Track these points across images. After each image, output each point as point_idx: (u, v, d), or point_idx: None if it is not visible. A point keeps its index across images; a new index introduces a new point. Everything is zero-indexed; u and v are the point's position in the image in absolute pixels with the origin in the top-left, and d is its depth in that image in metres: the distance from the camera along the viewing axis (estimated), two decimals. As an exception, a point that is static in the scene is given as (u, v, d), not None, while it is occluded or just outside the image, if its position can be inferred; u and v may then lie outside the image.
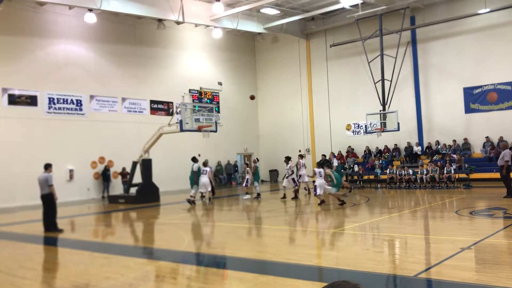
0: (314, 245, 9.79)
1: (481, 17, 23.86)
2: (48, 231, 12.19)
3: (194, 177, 18.44)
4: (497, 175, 21.37)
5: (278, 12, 27.24)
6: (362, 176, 24.87)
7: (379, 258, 7.98)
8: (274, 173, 31.57)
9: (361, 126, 27.93)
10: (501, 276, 6.31)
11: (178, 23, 25.36)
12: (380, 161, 25.45)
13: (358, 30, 26.27)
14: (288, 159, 19.14)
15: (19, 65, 21.82)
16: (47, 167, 12.53)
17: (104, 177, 23.79)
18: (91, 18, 22.76)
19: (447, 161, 22.12)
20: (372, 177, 24.36)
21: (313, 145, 30.60)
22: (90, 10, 22.25)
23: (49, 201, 12.21)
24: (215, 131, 20.16)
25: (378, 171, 24.11)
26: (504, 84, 23.54)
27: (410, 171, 22.28)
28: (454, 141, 24.57)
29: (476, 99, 24.39)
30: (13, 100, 21.52)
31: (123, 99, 25.58)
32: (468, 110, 24.65)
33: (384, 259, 8.03)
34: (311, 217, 14.21)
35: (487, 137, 23.66)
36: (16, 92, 21.61)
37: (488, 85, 24.01)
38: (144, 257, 9.47)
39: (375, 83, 25.71)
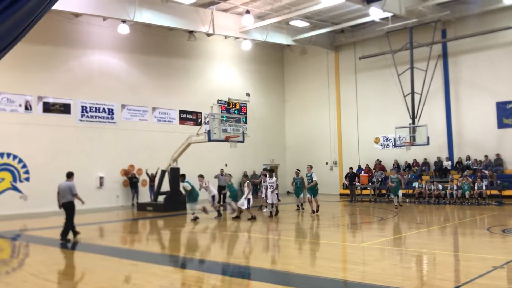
0: (340, 259, 9.71)
1: (515, 31, 23.39)
2: (63, 239, 12.21)
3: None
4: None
5: (307, 24, 27.32)
6: (390, 190, 24.48)
7: (407, 274, 7.86)
8: (300, 185, 31.42)
9: (390, 139, 27.61)
10: (534, 296, 6.13)
11: (208, 35, 25.72)
12: (410, 175, 25.06)
13: (387, 42, 26.10)
14: (271, 171, 18.06)
15: (54, 74, 22.49)
16: (70, 175, 12.59)
17: (131, 184, 24.13)
18: (124, 29, 23.31)
19: (478, 177, 21.62)
20: (402, 191, 23.93)
21: (340, 157, 30.39)
22: (124, 21, 22.80)
23: (72, 208, 12.39)
24: (242, 142, 20.28)
25: (415, 184, 23.56)
26: (539, 99, 22.93)
27: (440, 186, 21.86)
28: (486, 156, 24.01)
29: (509, 114, 23.82)
30: (48, 108, 22.16)
31: (153, 109, 26.02)
32: (501, 125, 24.08)
33: (412, 275, 7.91)
34: (336, 231, 14.10)
35: (520, 153, 23.05)
36: (51, 100, 22.26)
37: (522, 100, 23.45)
38: (171, 265, 9.58)
39: (404, 96, 25.43)
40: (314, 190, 17.67)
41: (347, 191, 25.40)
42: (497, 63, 24.17)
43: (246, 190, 16.39)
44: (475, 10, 24.07)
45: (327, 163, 30.58)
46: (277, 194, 17.00)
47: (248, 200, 16.22)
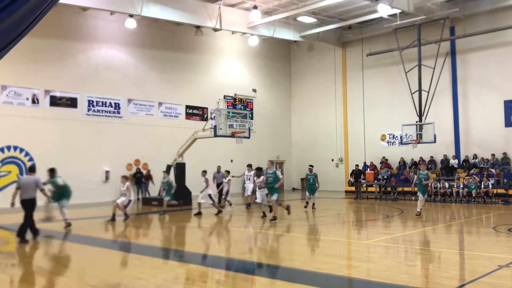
0: (344, 256, 9.69)
1: (525, 29, 23.16)
2: (20, 237, 10.96)
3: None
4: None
5: (315, 20, 27.21)
6: (396, 187, 24.42)
7: (412, 272, 7.82)
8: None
9: (396, 136, 27.48)
10: (540, 296, 6.08)
11: (215, 30, 25.69)
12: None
13: (395, 39, 25.94)
14: (259, 170, 15.13)
15: (62, 68, 22.55)
16: (33, 169, 11.57)
17: (137, 179, 24.19)
18: (131, 24, 23.32)
19: (485, 176, 21.49)
20: (407, 188, 23.86)
21: (346, 154, 30.30)
22: (131, 15, 22.81)
23: (33, 205, 11.08)
24: (248, 138, 20.27)
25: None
26: (548, 97, 22.73)
27: (446, 184, 21.75)
28: (493, 155, 23.85)
29: (517, 112, 23.63)
30: (55, 101, 22.23)
31: (160, 104, 26.04)
32: (508, 123, 23.90)
33: (417, 273, 7.87)
34: (341, 228, 14.06)
35: (528, 152, 22.88)
36: (58, 94, 22.33)
37: (531, 98, 23.24)
38: (175, 259, 9.59)
39: (412, 94, 25.30)
40: (275, 189, 14.39)
41: (353, 188, 25.33)
42: (506, 61, 23.97)
43: (204, 185, 16.39)
44: (485, 7, 23.86)
45: (332, 160, 30.51)
46: (266, 194, 14.72)
47: (209, 195, 16.39)
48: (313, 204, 18.11)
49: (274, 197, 14.25)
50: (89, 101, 23.33)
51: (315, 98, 31.87)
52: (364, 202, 22.18)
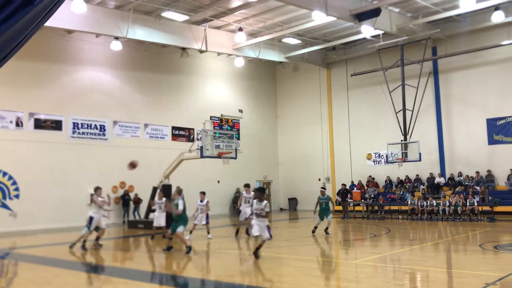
0: (333, 276, 9.63)
1: (504, 48, 23.68)
2: None
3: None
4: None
5: (300, 41, 27.55)
6: (383, 206, 24.51)
7: (400, 292, 7.79)
8: (293, 201, 31.34)
9: (382, 155, 27.69)
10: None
11: (201, 51, 25.85)
12: (402, 192, 25.12)
13: (379, 60, 26.35)
14: (262, 192, 12.90)
15: (46, 91, 22.41)
16: None
17: (124, 202, 23.95)
18: (117, 46, 23.36)
19: (470, 193, 21.68)
20: (394, 207, 23.98)
21: (333, 173, 30.39)
22: (116, 38, 22.86)
23: None
24: (235, 158, 20.25)
25: (408, 196, 23.68)
26: (529, 115, 23.17)
27: (434, 202, 21.89)
28: (477, 172, 24.12)
29: (499, 130, 24.02)
30: (39, 124, 22.03)
31: (146, 125, 25.96)
32: (491, 141, 24.26)
33: (405, 292, 7.84)
34: (329, 248, 14.02)
35: (511, 169, 23.17)
36: (42, 117, 22.14)
37: (512, 116, 23.68)
38: (165, 283, 9.44)
39: (396, 113, 25.60)
40: (180, 220, 12.45)
41: (340, 208, 25.35)
42: (487, 80, 24.45)
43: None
44: (465, 28, 24.40)
45: (319, 180, 30.56)
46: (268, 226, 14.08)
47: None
48: (327, 228, 16.14)
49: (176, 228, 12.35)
50: (74, 123, 23.16)
51: (301, 118, 32.06)
52: (352, 222, 22.17)
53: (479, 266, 10.02)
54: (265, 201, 11.23)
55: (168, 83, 27.20)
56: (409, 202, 22.85)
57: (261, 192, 11.55)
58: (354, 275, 9.43)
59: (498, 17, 22.11)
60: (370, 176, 28.04)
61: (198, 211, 15.80)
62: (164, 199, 15.96)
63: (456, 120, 25.54)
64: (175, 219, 12.31)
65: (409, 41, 25.11)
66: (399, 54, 25.74)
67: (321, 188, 17.19)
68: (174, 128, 27.25)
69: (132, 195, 24.42)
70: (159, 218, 16.07)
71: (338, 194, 25.93)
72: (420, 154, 23.47)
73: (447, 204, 21.38)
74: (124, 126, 25.06)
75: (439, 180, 25.23)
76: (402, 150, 24.34)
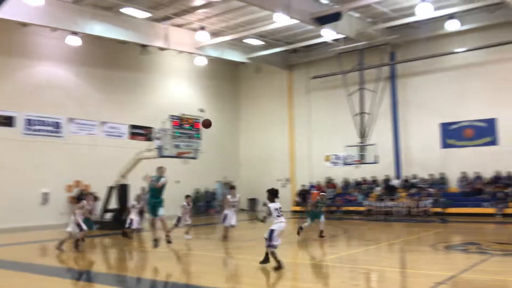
0: (289, 277, 9.67)
1: (458, 56, 24.57)
2: None
3: None
4: (473, 209, 21.75)
5: (262, 43, 27.64)
6: (341, 207, 24.90)
7: (354, 291, 7.91)
8: (253, 202, 31.41)
9: (340, 157, 28.13)
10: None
11: (161, 49, 25.48)
12: (358, 194, 25.62)
13: (339, 63, 26.77)
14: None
15: (-2, 85, 21.55)
16: None
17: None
18: (74, 41, 22.71)
19: (424, 195, 22.34)
20: (352, 208, 24.41)
21: (293, 175, 30.65)
22: (74, 33, 22.23)
23: None
24: (195, 158, 20.06)
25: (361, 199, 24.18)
26: (480, 121, 24.10)
27: (390, 204, 22.42)
28: (431, 175, 24.89)
29: (452, 134, 24.89)
30: (-10, 120, 21.15)
31: (103, 123, 25.36)
32: (444, 145, 25.10)
33: (360, 292, 7.97)
34: (289, 248, 14.09)
35: (463, 172, 24.03)
36: (-7, 112, 21.26)
37: (464, 121, 24.55)
38: (118, 285, 9.23)
39: (354, 116, 26.07)
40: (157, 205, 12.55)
41: (299, 208, 25.58)
42: (443, 86, 25.26)
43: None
44: (423, 35, 25.14)
45: (279, 180, 30.71)
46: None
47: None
48: (322, 231, 15.04)
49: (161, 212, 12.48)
50: (27, 120, 22.35)
51: (263, 119, 32.17)
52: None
53: (431, 265, 10.31)
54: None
55: (126, 80, 26.68)
56: (365, 204, 23.31)
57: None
58: (310, 276, 9.50)
59: (453, 25, 22.91)
60: (328, 177, 28.44)
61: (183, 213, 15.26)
62: (238, 195, 15.61)
63: (412, 124, 26.26)
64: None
65: (369, 46, 25.64)
66: (359, 58, 26.24)
67: (321, 193, 16.79)
68: (132, 126, 26.75)
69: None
70: (231, 217, 15.08)
71: (298, 195, 26.17)
72: (376, 156, 24.00)
73: (401, 205, 21.96)
74: (80, 124, 24.40)
75: (394, 182, 25.87)
76: (359, 152, 24.82)
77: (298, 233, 15.01)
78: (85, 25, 21.47)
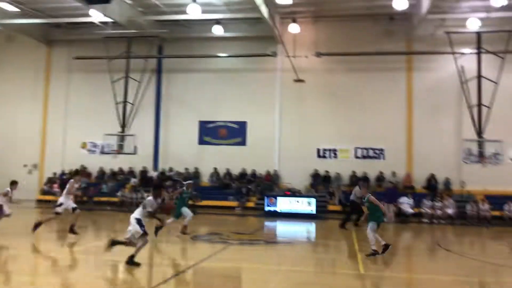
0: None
1: (220, 60, 26.36)
2: None
3: None
4: (221, 203, 23.58)
5: (18, 10, 24.43)
6: (93, 197, 23.87)
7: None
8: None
9: (98, 145, 26.98)
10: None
11: None
12: (114, 184, 25.02)
13: (106, 48, 25.61)
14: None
15: None
16: None
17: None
18: None
19: (178, 188, 23.12)
20: (104, 198, 23.63)
21: (42, 160, 27.99)
22: None
23: None
24: None
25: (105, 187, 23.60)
26: (233, 122, 26.30)
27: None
28: (187, 169, 26.00)
29: (209, 132, 26.53)
30: None
31: None
32: (201, 142, 26.58)
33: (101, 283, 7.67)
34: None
35: (215, 168, 25.82)
36: None
37: (220, 121, 26.43)
38: None
39: (116, 104, 25.34)
40: None
41: (45, 197, 23.49)
42: (204, 86, 26.65)
43: None
44: (192, 34, 26.10)
45: (25, 166, 27.71)
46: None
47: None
48: (185, 227, 13.61)
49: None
50: None
51: (12, 94, 28.42)
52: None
53: (175, 255, 10.65)
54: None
55: None
56: (118, 195, 22.89)
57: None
58: (48, 268, 8.74)
59: (218, 30, 24.46)
60: (82, 165, 26.90)
61: None
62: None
63: (173, 119, 26.97)
64: None
65: (138, 35, 25.27)
66: (126, 46, 25.68)
67: (188, 181, 14.87)
68: None
69: None
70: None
71: (47, 183, 23.99)
72: (135, 147, 23.89)
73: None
74: None
75: (152, 173, 26.13)
76: (118, 141, 24.29)
77: (155, 234, 12.67)
78: None
